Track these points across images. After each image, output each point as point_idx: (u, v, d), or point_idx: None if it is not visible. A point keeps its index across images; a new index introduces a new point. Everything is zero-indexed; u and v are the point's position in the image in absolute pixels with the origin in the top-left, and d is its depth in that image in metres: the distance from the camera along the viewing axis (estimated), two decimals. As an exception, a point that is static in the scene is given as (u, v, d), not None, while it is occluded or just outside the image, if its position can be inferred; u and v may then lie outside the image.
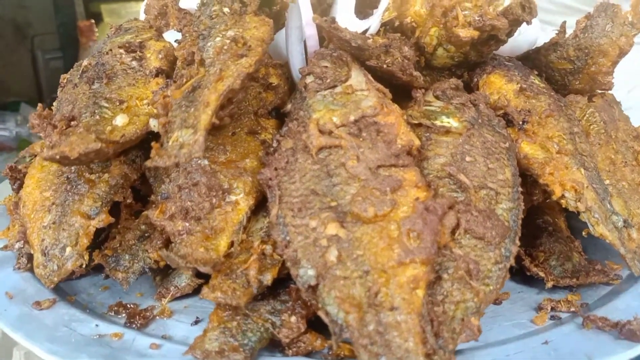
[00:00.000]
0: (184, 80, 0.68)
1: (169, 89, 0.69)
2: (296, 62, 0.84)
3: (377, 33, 0.80)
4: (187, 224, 0.65)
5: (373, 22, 0.77)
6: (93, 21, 2.89)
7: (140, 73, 0.83)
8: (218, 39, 0.69)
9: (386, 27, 0.80)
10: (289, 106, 0.71)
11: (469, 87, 0.84)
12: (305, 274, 0.57)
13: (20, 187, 0.80)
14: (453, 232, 0.61)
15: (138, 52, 0.85)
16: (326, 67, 0.70)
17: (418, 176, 0.62)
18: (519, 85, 0.78)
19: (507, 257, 0.61)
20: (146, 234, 0.74)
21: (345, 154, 0.62)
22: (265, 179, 0.64)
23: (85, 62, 0.85)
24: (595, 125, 0.82)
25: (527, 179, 0.73)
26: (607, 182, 0.77)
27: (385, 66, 0.71)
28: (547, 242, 0.76)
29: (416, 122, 0.70)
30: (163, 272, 0.74)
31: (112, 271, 0.71)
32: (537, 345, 0.59)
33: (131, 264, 0.72)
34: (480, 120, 0.70)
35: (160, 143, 0.61)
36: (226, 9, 0.73)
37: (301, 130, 0.66)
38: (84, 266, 0.68)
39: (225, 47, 0.67)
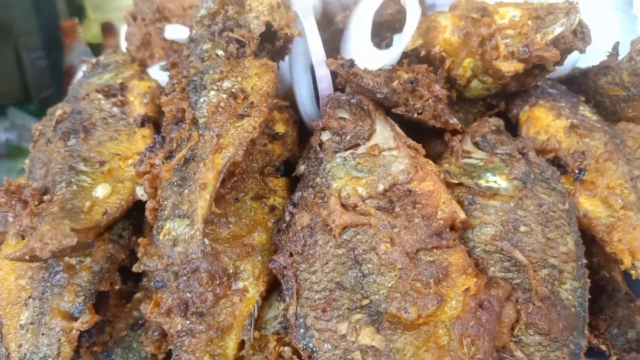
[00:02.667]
0: (174, 145, 0.56)
1: (157, 155, 0.57)
2: (304, 95, 0.72)
3: (400, 63, 0.67)
4: (187, 322, 0.54)
5: (394, 53, 0.64)
6: (77, 20, 2.73)
7: (123, 122, 0.71)
8: (213, 92, 0.57)
9: (410, 56, 0.68)
10: (301, 168, 0.59)
11: (507, 119, 0.72)
12: (336, 395, 0.46)
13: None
14: (512, 328, 0.50)
15: (119, 96, 0.72)
16: (344, 119, 0.58)
17: (465, 258, 0.51)
18: (570, 121, 0.66)
19: (577, 354, 0.50)
20: (140, 322, 0.63)
21: (376, 235, 0.51)
22: (279, 268, 0.53)
23: (59, 112, 0.72)
24: (655, 159, 0.71)
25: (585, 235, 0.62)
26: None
27: (415, 115, 0.59)
28: (607, 305, 0.65)
29: (456, 181, 0.58)
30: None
31: (104, 369, 0.60)
32: None
33: (125, 357, 0.61)
34: (532, 176, 0.58)
35: (148, 237, 0.49)
36: (220, 52, 0.60)
37: (319, 202, 0.54)
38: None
39: (222, 104, 0.55)
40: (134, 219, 0.65)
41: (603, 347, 0.62)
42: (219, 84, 0.58)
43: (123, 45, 0.92)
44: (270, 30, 0.63)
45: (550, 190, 0.58)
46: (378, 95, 0.57)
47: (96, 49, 2.78)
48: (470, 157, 0.61)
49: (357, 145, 0.56)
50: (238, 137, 0.53)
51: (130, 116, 0.71)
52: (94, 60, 0.85)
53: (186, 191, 0.50)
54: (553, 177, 0.60)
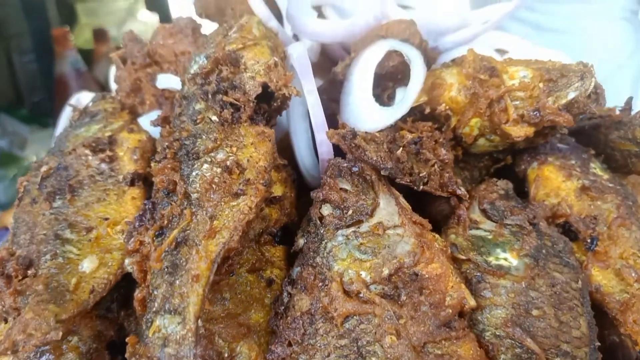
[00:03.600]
0: (165, 221, 0.53)
1: (147, 231, 0.54)
2: (302, 147, 0.68)
3: (403, 120, 0.63)
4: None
5: (398, 113, 0.61)
6: (68, 28, 2.68)
7: (112, 180, 0.67)
8: (206, 166, 0.53)
9: (414, 112, 0.64)
10: (300, 242, 0.56)
11: (513, 173, 0.69)
12: None
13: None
14: None
15: (108, 151, 0.69)
16: (346, 191, 0.55)
17: (475, 349, 0.48)
18: (581, 182, 0.63)
19: None
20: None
21: (381, 327, 0.48)
22: (277, 359, 0.50)
23: (44, 167, 0.69)
24: (668, 217, 0.68)
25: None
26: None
27: (421, 186, 0.55)
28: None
29: (464, 257, 0.55)
30: None
31: None
32: None
33: None
34: (544, 251, 0.55)
35: (136, 332, 0.46)
36: (214, 117, 0.57)
37: (320, 285, 0.51)
38: None
39: (216, 180, 0.52)
40: (123, 289, 0.62)
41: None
42: (212, 154, 0.54)
43: (111, 78, 0.88)
44: (266, 91, 0.59)
45: (562, 266, 0.55)
46: (382, 172, 0.54)
47: (88, 55, 2.73)
48: (478, 228, 0.57)
49: (360, 221, 0.53)
50: (233, 219, 0.49)
51: (120, 173, 0.68)
52: (81, 98, 0.81)
53: (177, 282, 0.47)
54: (565, 249, 0.57)
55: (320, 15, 0.85)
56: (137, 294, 0.49)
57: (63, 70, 2.62)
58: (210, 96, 0.59)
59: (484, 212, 0.59)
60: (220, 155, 0.54)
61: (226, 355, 0.53)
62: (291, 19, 0.77)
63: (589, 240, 0.59)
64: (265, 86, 0.58)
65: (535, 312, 0.52)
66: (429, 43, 0.81)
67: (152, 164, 0.60)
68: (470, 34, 0.83)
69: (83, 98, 1.04)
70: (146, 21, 3.47)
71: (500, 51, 0.83)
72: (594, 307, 0.56)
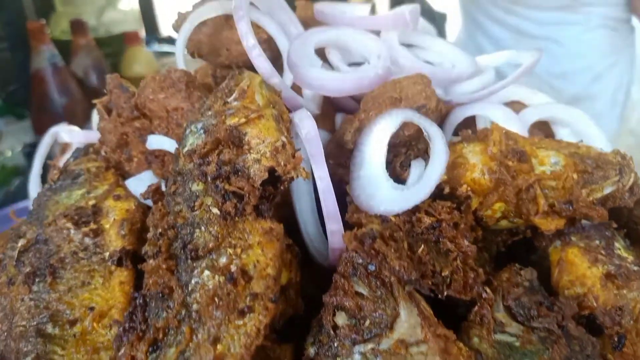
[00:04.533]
0: (160, 334, 0.47)
1: (139, 342, 0.48)
2: (309, 222, 0.63)
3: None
4: None
5: (418, 196, 0.56)
6: (44, 21, 2.54)
7: (97, 259, 0.61)
8: (207, 273, 0.47)
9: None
10: (311, 351, 0.51)
11: (533, 247, 0.65)
12: None
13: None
14: None
15: (92, 223, 0.62)
16: (362, 296, 0.50)
17: None
18: (606, 267, 0.59)
19: None
20: None
21: None
22: None
23: (22, 241, 0.62)
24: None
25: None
26: None
27: (445, 291, 0.50)
28: None
29: (489, 367, 0.50)
30: None
31: None
32: None
33: None
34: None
35: None
36: (215, 210, 0.51)
37: (335, 409, 0.46)
38: None
39: (220, 293, 0.46)
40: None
41: None
42: (214, 257, 0.48)
43: (94, 125, 0.81)
44: (273, 174, 0.53)
45: (592, 375, 0.51)
46: (406, 286, 0.48)
47: (65, 46, 2.60)
48: (504, 332, 0.53)
49: (379, 335, 0.48)
50: (239, 344, 0.44)
51: (106, 249, 0.61)
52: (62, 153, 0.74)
53: None
54: (593, 354, 0.53)
55: (324, 57, 0.78)
56: None
57: (39, 65, 2.49)
58: (209, 180, 0.52)
59: (508, 309, 0.54)
60: (223, 260, 0.48)
61: None
62: (293, 67, 0.70)
63: (616, 339, 0.55)
64: (272, 170, 0.52)
65: None
66: (439, 92, 0.76)
67: (144, 251, 0.53)
68: (483, 83, 0.78)
69: (61, 131, 0.96)
70: (126, 10, 3.33)
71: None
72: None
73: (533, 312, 0.54)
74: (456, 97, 0.74)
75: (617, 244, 0.64)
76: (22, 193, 2.46)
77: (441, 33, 2.40)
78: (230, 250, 0.49)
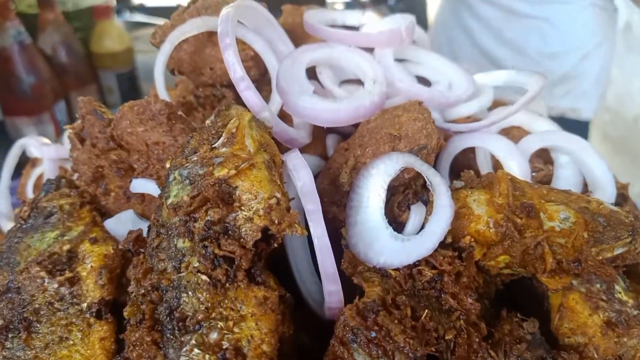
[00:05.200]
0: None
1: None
2: (303, 271, 0.60)
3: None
4: None
5: (422, 250, 0.52)
6: (6, -5, 2.39)
7: (75, 310, 0.57)
8: (197, 351, 0.43)
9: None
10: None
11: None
12: None
13: None
14: None
15: (67, 271, 0.57)
16: (363, 366, 0.47)
17: None
18: (607, 315, 0.58)
19: None
20: None
21: None
22: None
23: (-9, 288, 0.57)
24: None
25: None
26: None
27: (447, 359, 0.48)
28: None
29: None
30: None
31: None
32: None
33: None
34: None
35: None
36: (204, 277, 0.46)
37: None
38: None
39: (212, 376, 0.42)
40: None
41: None
42: (204, 332, 0.44)
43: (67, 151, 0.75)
44: (266, 232, 0.49)
45: None
46: (403, 351, 0.46)
47: (31, 21, 2.46)
48: (507, 395, 0.51)
49: (380, 413, 0.45)
50: None
51: (83, 300, 0.57)
52: (29, 197, 0.68)
53: None
54: (597, 413, 0.52)
55: (314, 76, 0.74)
56: None
57: (5, 44, 2.35)
58: (197, 239, 0.48)
59: (511, 367, 0.52)
60: (214, 336, 0.44)
61: None
62: (283, 94, 0.65)
63: (616, 396, 0.54)
64: (265, 230, 0.48)
65: None
66: (438, 119, 0.72)
67: (126, 313, 0.49)
68: (482, 106, 0.75)
69: (30, 145, 0.90)
70: (98, -18, 3.15)
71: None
72: None
73: (537, 372, 0.52)
74: (454, 126, 0.70)
75: (617, 287, 0.62)
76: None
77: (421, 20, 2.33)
78: (221, 324, 0.45)
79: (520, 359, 0.53)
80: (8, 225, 0.92)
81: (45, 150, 0.86)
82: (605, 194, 0.68)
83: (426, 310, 0.49)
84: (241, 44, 0.71)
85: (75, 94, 2.37)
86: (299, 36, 0.78)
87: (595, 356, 0.56)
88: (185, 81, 0.79)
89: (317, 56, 0.71)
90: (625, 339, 0.58)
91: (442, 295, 0.52)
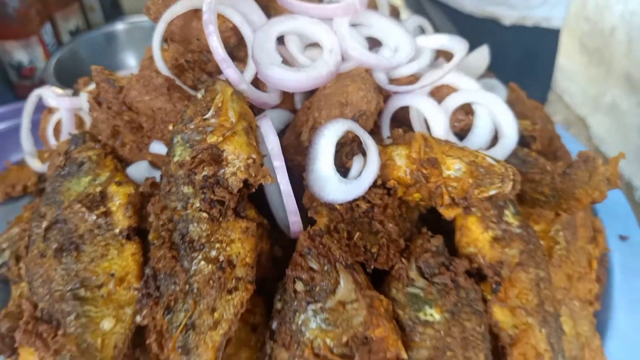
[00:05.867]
0: (172, 302, 0.67)
1: (156, 306, 0.68)
2: (276, 204, 0.81)
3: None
4: None
5: (360, 189, 0.74)
6: None
7: (110, 234, 0.78)
8: (203, 263, 0.66)
9: (368, 181, 0.77)
10: (278, 305, 0.72)
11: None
12: None
13: (14, 350, 0.80)
14: None
15: (101, 207, 0.78)
16: (314, 270, 0.70)
17: (405, 384, 0.69)
18: (495, 233, 0.81)
19: None
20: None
21: (340, 378, 0.67)
22: (265, 400, 0.69)
23: (45, 222, 0.78)
24: (558, 245, 0.88)
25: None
26: (562, 308, 0.86)
27: (373, 264, 0.71)
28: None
29: (402, 312, 0.73)
30: None
31: None
32: None
33: None
34: (459, 304, 0.74)
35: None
36: (204, 214, 0.68)
37: (295, 347, 0.69)
38: None
39: (213, 277, 0.65)
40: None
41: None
42: (206, 250, 0.66)
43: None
44: (246, 182, 0.70)
45: (472, 314, 0.75)
46: (343, 266, 0.68)
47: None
48: (413, 286, 0.75)
49: (324, 298, 0.69)
50: (230, 312, 0.64)
51: (115, 227, 0.78)
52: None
53: (191, 362, 0.63)
54: (475, 298, 0.76)
55: (282, 45, 0.90)
56: (159, 366, 0.64)
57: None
58: (197, 188, 0.69)
59: (419, 269, 0.76)
60: (214, 253, 0.66)
61: (224, 390, 0.72)
62: (257, 65, 0.83)
63: (494, 286, 0.78)
64: (245, 181, 0.69)
65: (448, 353, 0.72)
66: (381, 77, 0.90)
67: (150, 237, 0.71)
68: (420, 66, 0.93)
69: (47, 96, 1.06)
70: None
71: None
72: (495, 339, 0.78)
73: (435, 270, 0.76)
74: (394, 86, 0.89)
75: (507, 212, 0.85)
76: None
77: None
78: (217, 245, 0.67)
79: (425, 264, 0.76)
80: (33, 162, 1.11)
81: (61, 101, 1.02)
82: (509, 139, 0.89)
83: (358, 233, 0.71)
84: (221, 18, 0.87)
85: (59, 14, 2.42)
86: (272, 8, 0.93)
87: (482, 262, 0.80)
88: (175, 45, 0.94)
89: (284, 28, 0.87)
90: (506, 250, 0.81)
91: (372, 221, 0.74)
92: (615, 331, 0.94)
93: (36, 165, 1.06)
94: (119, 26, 2.29)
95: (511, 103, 1.09)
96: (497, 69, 1.18)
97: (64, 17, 2.38)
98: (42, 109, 1.12)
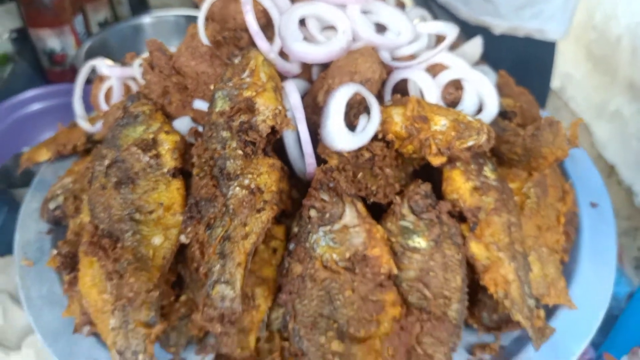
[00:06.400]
0: (212, 220, 0.84)
1: (199, 226, 0.85)
2: (294, 154, 0.99)
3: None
4: (223, 327, 0.88)
5: (363, 139, 0.91)
6: None
7: (159, 173, 0.96)
8: (237, 189, 0.84)
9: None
10: (295, 229, 0.90)
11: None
12: (317, 376, 0.84)
13: (72, 269, 0.98)
14: (417, 336, 0.87)
15: (153, 150, 0.96)
16: (325, 201, 0.87)
17: (394, 295, 0.86)
18: (474, 183, 0.98)
19: (452, 348, 0.89)
20: (185, 315, 0.96)
21: (343, 285, 0.85)
22: (283, 301, 0.86)
23: (107, 161, 0.96)
24: (529, 199, 1.05)
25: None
26: (532, 252, 1.03)
27: (372, 198, 0.89)
28: (482, 299, 1.04)
29: (394, 240, 0.91)
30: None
31: (165, 347, 0.95)
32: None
33: (178, 338, 0.95)
34: (442, 236, 0.91)
35: (204, 291, 0.81)
36: (239, 151, 0.85)
37: (307, 260, 0.86)
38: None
39: (245, 200, 0.83)
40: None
41: (475, 326, 1.01)
42: (240, 180, 0.84)
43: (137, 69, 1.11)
44: (273, 128, 0.88)
45: (452, 244, 0.92)
46: (349, 197, 0.86)
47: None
48: (405, 220, 0.92)
49: (333, 222, 0.87)
50: (257, 226, 0.82)
51: (164, 167, 0.96)
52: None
53: (227, 265, 0.80)
54: (455, 233, 0.93)
55: (304, 26, 1.08)
56: (202, 270, 0.82)
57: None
58: (234, 132, 0.86)
59: (410, 207, 0.93)
60: (246, 181, 0.84)
61: (250, 294, 0.89)
62: (282, 40, 1.01)
63: (471, 225, 0.95)
64: (272, 127, 0.87)
65: (431, 274, 0.89)
66: (385, 56, 1.08)
67: (194, 172, 0.89)
68: (419, 48, 1.10)
69: (100, 65, 1.25)
70: None
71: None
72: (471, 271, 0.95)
73: (424, 209, 0.93)
74: (396, 62, 1.06)
75: (485, 168, 1.02)
76: (15, 81, 2.69)
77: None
78: (249, 176, 0.85)
79: (415, 203, 0.93)
80: (84, 124, 1.29)
81: (113, 70, 1.21)
82: (491, 110, 1.06)
83: (361, 173, 0.88)
84: (254, 2, 1.05)
85: (89, 7, 2.62)
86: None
87: (463, 206, 0.97)
88: (214, 24, 1.13)
89: (305, 12, 1.05)
90: (484, 197, 0.98)
91: (374, 167, 0.92)
92: (579, 278, 1.11)
93: (87, 126, 1.25)
94: (146, 19, 2.47)
95: (500, 87, 1.27)
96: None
97: (94, 9, 2.58)
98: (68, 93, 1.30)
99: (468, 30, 1.86)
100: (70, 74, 2.36)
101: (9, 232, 1.37)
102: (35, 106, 2.17)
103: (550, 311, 1.05)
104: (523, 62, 1.92)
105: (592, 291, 1.09)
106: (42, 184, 1.29)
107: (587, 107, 4.18)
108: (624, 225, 3.13)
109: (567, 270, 1.12)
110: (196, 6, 1.07)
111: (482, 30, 1.89)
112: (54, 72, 2.48)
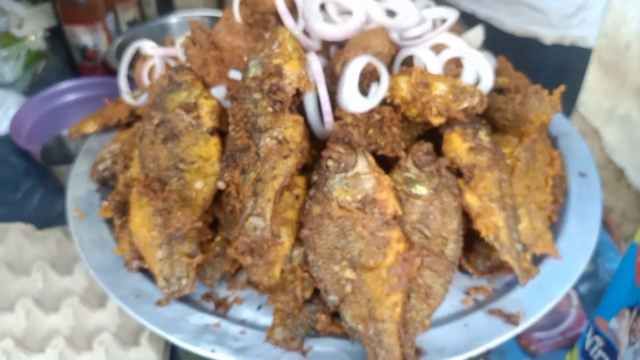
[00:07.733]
0: (246, 166, 1.01)
1: (234, 171, 1.02)
2: (312, 116, 1.15)
3: (374, 104, 1.10)
4: (253, 260, 1.04)
5: (373, 103, 1.07)
6: None
7: (199, 131, 1.12)
8: (268, 139, 1.00)
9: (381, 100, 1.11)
10: (315, 177, 1.05)
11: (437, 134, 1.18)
12: (332, 299, 0.99)
13: (123, 213, 1.15)
14: (418, 269, 1.02)
15: (194, 112, 1.13)
16: (340, 152, 1.03)
17: (399, 233, 1.01)
18: (469, 144, 1.13)
19: (448, 281, 1.04)
20: (220, 253, 1.12)
21: (355, 223, 1.00)
22: (304, 236, 1.02)
23: (156, 120, 1.13)
24: (520, 162, 1.20)
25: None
26: (521, 208, 1.17)
27: (380, 151, 1.04)
28: (477, 246, 1.18)
29: (399, 188, 1.06)
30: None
31: (202, 279, 1.11)
32: (460, 326, 1.05)
33: (213, 272, 1.11)
34: (440, 186, 1.06)
35: (240, 223, 0.97)
36: (269, 109, 1.02)
37: (325, 202, 1.02)
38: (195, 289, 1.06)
39: (275, 149, 0.99)
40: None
41: (470, 270, 1.16)
42: (270, 132, 1.00)
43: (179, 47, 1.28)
44: (297, 90, 1.04)
45: (449, 193, 1.07)
46: (361, 149, 1.02)
47: None
48: (409, 172, 1.08)
49: (347, 170, 1.02)
50: (284, 170, 0.97)
51: (203, 126, 1.13)
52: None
53: (259, 201, 0.96)
54: (453, 185, 1.08)
55: (324, 10, 1.25)
56: (237, 205, 0.98)
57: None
58: (265, 93, 1.03)
59: (413, 162, 1.09)
60: (275, 133, 1.00)
61: (276, 232, 1.05)
62: (305, 21, 1.17)
63: (467, 179, 1.10)
64: (297, 89, 1.03)
65: (431, 217, 1.04)
66: (395, 36, 1.24)
67: (230, 129, 1.06)
68: (423, 30, 1.26)
69: (145, 46, 1.42)
70: None
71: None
72: (465, 215, 1.09)
73: (425, 163, 1.08)
74: (404, 42, 1.22)
75: (480, 132, 1.17)
76: (47, 76, 2.89)
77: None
78: (277, 129, 1.01)
79: (418, 159, 1.09)
80: (129, 98, 1.46)
81: (156, 51, 1.38)
82: (486, 83, 1.21)
83: (371, 130, 1.04)
84: (281, -12, 1.22)
85: (120, 6, 2.81)
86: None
87: (459, 163, 1.12)
88: (245, 8, 1.30)
89: (325, -3, 1.22)
90: (478, 157, 1.13)
91: (383, 127, 1.07)
92: (565, 234, 1.24)
93: (131, 100, 1.42)
94: (172, 19, 2.65)
95: (499, 71, 1.42)
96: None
97: (124, 8, 2.77)
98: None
99: (512, 42, 1.89)
100: (101, 69, 2.54)
101: (46, 208, 1.55)
102: (70, 97, 2.34)
103: (538, 259, 1.18)
104: (562, 71, 1.94)
105: (577, 244, 1.23)
106: (90, 152, 1.46)
107: (597, 112, 4.27)
108: (632, 228, 3.20)
109: (555, 228, 1.26)
110: (220, 7, 1.24)
111: (527, 42, 1.90)
112: (86, 66, 2.65)
